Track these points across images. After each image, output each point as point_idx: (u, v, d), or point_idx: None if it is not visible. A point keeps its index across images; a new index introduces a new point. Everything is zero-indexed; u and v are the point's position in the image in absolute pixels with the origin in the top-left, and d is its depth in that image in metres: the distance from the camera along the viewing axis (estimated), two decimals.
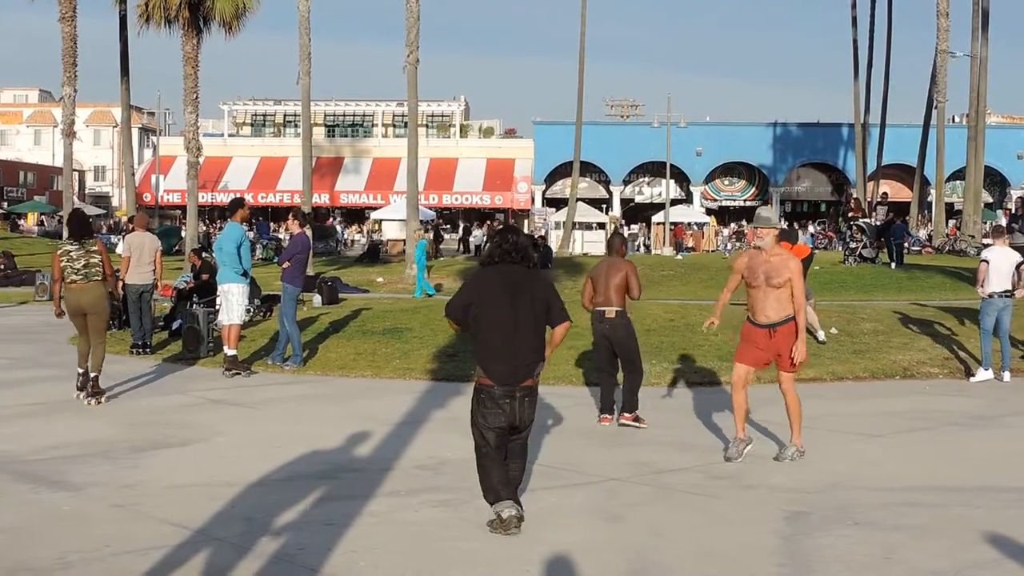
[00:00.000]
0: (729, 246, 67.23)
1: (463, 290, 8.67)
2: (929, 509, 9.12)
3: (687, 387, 16.22)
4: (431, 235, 58.27)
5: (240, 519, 8.59)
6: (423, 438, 12.01)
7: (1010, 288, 17.27)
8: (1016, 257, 17.50)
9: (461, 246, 68.34)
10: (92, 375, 14.48)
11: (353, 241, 72.62)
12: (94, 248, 14.71)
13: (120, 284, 19.26)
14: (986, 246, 18.12)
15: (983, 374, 17.12)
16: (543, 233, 59.58)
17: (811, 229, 75.22)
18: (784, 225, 11.21)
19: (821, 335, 19.01)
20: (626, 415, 13.20)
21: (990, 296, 17.23)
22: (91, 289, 14.61)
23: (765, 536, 8.30)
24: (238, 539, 8.03)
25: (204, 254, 25.42)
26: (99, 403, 14.30)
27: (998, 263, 17.24)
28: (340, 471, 10.43)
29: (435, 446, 11.60)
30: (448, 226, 76.28)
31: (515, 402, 8.36)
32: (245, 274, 17.37)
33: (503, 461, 8.52)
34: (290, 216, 18.82)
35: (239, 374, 17.06)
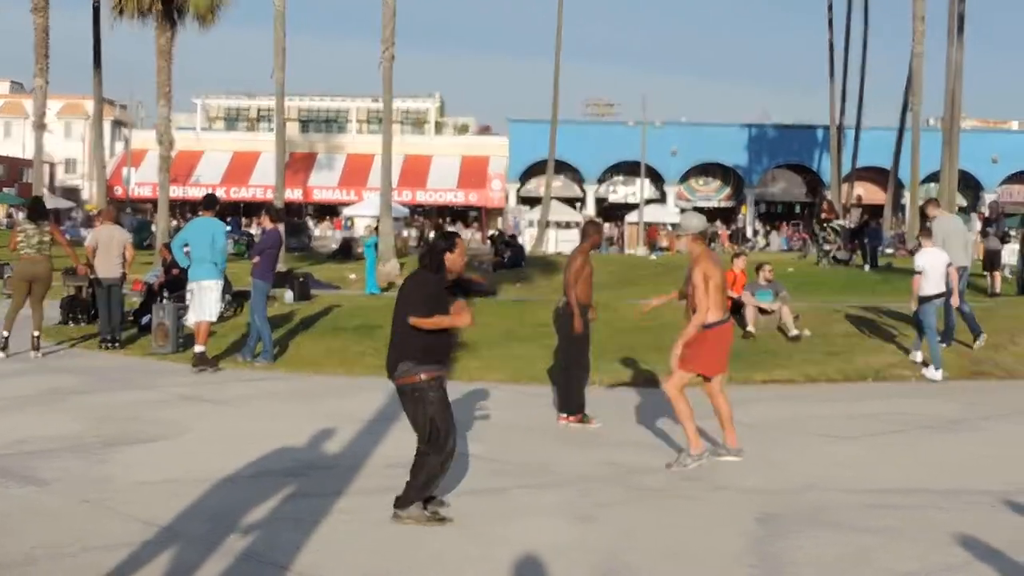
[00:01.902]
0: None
1: None
2: (901, 511, 9.16)
3: (660, 387, 16.24)
4: (406, 234, 58.14)
5: (209, 516, 8.56)
6: (394, 436, 12.00)
7: (944, 289, 17.53)
8: (945, 258, 17.71)
9: None
10: (36, 334, 18.16)
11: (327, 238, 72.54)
12: (47, 228, 18.19)
13: (88, 270, 19.40)
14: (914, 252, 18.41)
15: (934, 373, 17.32)
16: (515, 231, 59.51)
17: (786, 230, 75.57)
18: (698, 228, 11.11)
19: (750, 329, 19.29)
20: (561, 416, 13.22)
21: (929, 299, 17.46)
22: (41, 261, 18.10)
23: (736, 537, 8.32)
24: (207, 536, 8.00)
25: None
26: (41, 356, 17.93)
27: (933, 265, 17.48)
28: (310, 468, 10.42)
29: (406, 444, 11.51)
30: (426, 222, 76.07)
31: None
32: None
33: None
34: (263, 211, 18.81)
35: (207, 370, 17.01)
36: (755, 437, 12.06)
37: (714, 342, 10.72)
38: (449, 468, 8.76)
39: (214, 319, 17.40)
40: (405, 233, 63.28)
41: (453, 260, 8.70)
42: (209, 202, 17.84)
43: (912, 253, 21.98)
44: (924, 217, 20.35)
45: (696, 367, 10.82)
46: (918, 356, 18.05)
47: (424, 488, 8.53)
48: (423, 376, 8.47)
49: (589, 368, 13.64)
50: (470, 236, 76.89)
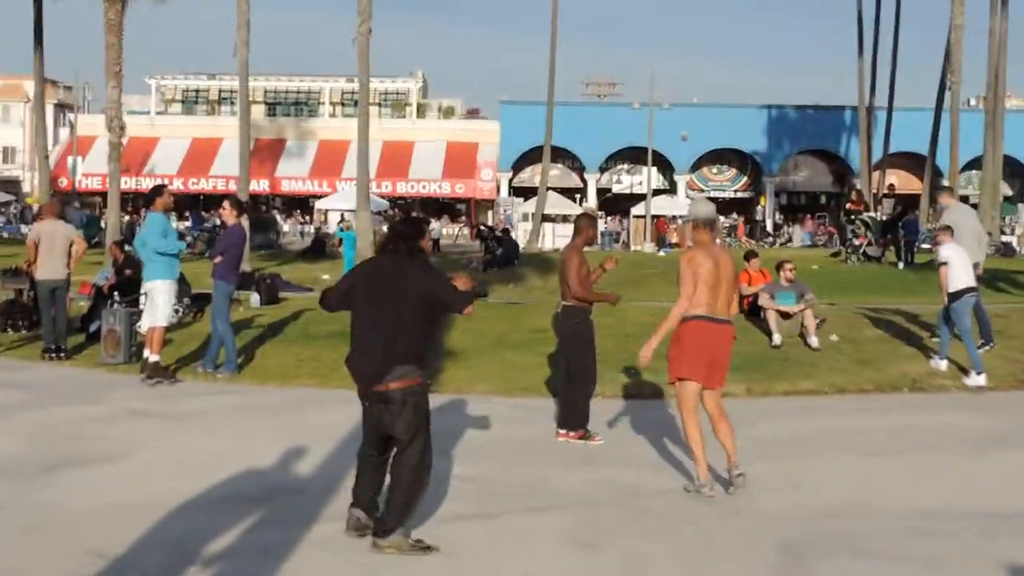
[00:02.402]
0: (718, 242, 67.36)
1: (342, 278, 9.05)
2: (943, 538, 9.14)
3: (671, 399, 16.22)
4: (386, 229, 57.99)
5: (165, 547, 8.53)
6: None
7: (975, 284, 17.63)
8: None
9: None
10: None
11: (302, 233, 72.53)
12: None
13: (31, 269, 19.41)
14: (938, 240, 18.47)
15: (976, 379, 17.32)
16: (507, 226, 59.52)
17: (810, 224, 75.62)
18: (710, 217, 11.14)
19: (815, 343, 19.14)
20: (560, 431, 13.21)
21: (960, 294, 17.49)
22: None
23: (756, 568, 8.30)
24: (162, 569, 7.97)
25: (127, 247, 25.26)
26: None
27: (960, 255, 17.55)
28: (278, 492, 10.38)
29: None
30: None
31: (374, 408, 8.57)
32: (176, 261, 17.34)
33: (376, 467, 8.80)
34: (225, 204, 18.61)
35: (162, 382, 16.96)
36: (777, 455, 12.04)
37: (688, 341, 10.59)
38: (428, 485, 8.73)
39: (164, 324, 17.28)
40: (385, 228, 63.37)
41: (424, 246, 8.88)
42: (153, 194, 17.66)
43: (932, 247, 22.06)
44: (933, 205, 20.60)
45: (674, 371, 10.76)
46: (942, 364, 18.02)
47: (406, 510, 8.49)
48: (417, 380, 8.50)
49: (595, 378, 13.62)
50: (457, 231, 76.97)
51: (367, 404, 8.62)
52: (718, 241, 11.94)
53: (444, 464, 11.24)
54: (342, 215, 64.94)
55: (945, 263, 17.58)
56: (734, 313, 10.92)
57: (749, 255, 22.55)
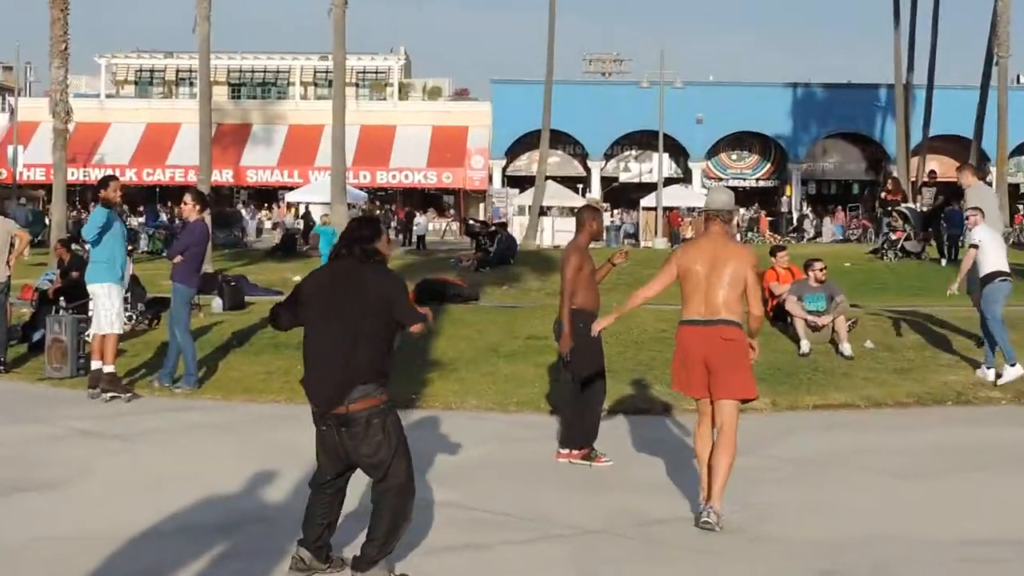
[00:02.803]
0: (739, 238, 67.29)
1: (294, 289, 9.02)
2: (989, 567, 9.16)
3: (684, 414, 16.21)
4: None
5: None
6: (352, 480, 11.95)
7: (1007, 269, 17.90)
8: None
9: (401, 237, 68.18)
10: None
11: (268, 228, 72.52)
12: None
13: None
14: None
15: (1013, 371, 17.48)
16: (499, 219, 59.53)
17: (842, 216, 75.64)
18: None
19: (847, 350, 19.14)
20: (561, 451, 13.21)
21: (992, 277, 17.69)
22: None
23: None
24: None
25: (74, 246, 25.24)
26: None
27: (995, 238, 17.73)
28: (245, 521, 10.39)
29: (365, 490, 11.52)
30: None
31: (332, 432, 8.54)
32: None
33: (331, 498, 8.82)
34: (186, 198, 18.57)
35: (118, 397, 16.94)
36: (805, 476, 12.05)
37: (675, 350, 10.73)
38: (412, 512, 8.71)
39: (115, 331, 17.22)
40: None
41: (382, 248, 8.77)
42: (100, 185, 17.56)
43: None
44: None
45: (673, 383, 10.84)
46: (990, 374, 18.05)
47: (389, 540, 8.48)
48: (381, 399, 8.45)
49: (603, 391, 13.59)
50: (445, 226, 76.95)
51: (324, 428, 8.58)
52: (738, 236, 11.87)
53: (430, 489, 11.24)
54: (306, 207, 64.89)
55: (977, 245, 17.67)
56: (759, 312, 10.68)
57: (776, 249, 22.45)
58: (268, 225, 72.97)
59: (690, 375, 10.56)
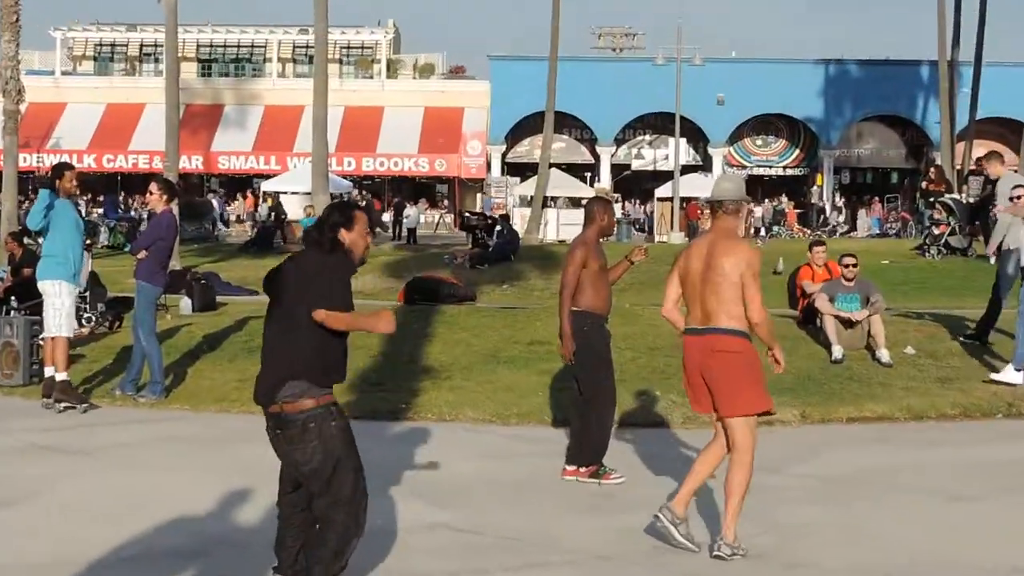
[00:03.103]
0: (763, 232, 67.26)
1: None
2: None
3: (703, 427, 16.18)
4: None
5: None
6: None
7: None
8: None
9: (391, 230, 68.18)
10: None
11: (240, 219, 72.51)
12: None
13: None
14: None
15: (1014, 375, 17.60)
16: (504, 212, 59.59)
17: (879, 209, 75.63)
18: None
19: (884, 356, 19.11)
20: (567, 468, 13.17)
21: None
22: None
23: None
24: None
25: (26, 240, 25.23)
26: None
27: None
28: (215, 545, 10.38)
29: None
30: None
31: (271, 434, 8.52)
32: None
33: (297, 518, 8.69)
34: (152, 187, 18.49)
35: (72, 407, 16.91)
36: (838, 496, 12.02)
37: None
38: (365, 524, 8.63)
39: (67, 334, 17.19)
40: None
41: (353, 241, 8.62)
42: (56, 172, 17.54)
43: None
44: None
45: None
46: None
47: (336, 560, 8.40)
48: (320, 400, 8.36)
49: (613, 401, 13.51)
50: (438, 219, 76.93)
51: (269, 434, 8.57)
52: (755, 231, 11.78)
53: (422, 509, 11.23)
54: (276, 198, 64.82)
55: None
56: (756, 319, 10.20)
57: (814, 244, 22.31)
58: (234, 218, 72.67)
59: (695, 391, 10.52)
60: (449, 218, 76.66)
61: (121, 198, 74.64)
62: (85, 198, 66.28)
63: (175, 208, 19.75)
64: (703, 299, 10.29)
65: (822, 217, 76.64)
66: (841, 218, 76.95)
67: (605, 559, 10.18)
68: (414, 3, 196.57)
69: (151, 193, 18.28)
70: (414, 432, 15.12)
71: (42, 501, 12.00)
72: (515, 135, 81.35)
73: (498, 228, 42.38)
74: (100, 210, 63.81)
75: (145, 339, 17.77)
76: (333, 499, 8.35)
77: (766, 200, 76.46)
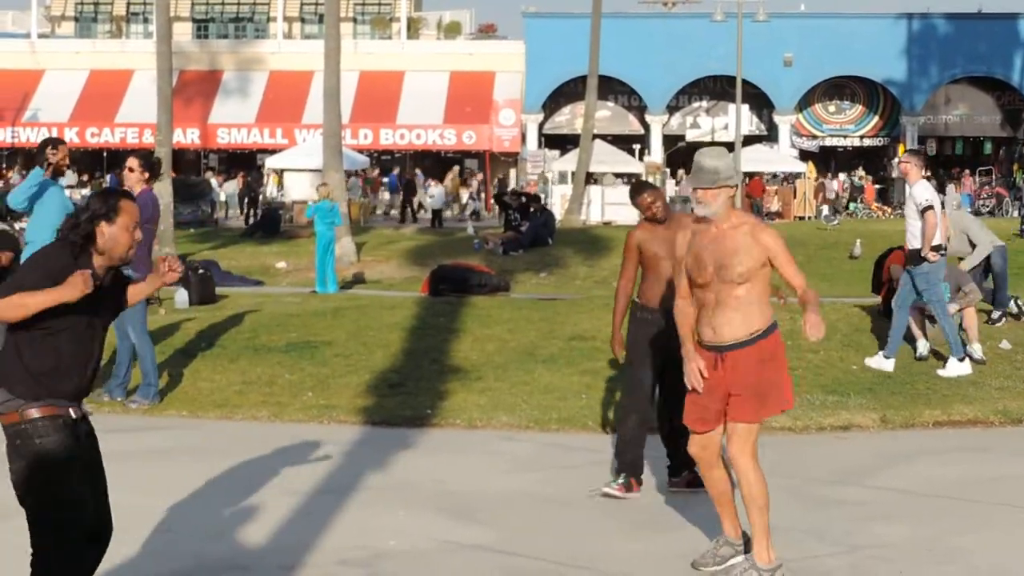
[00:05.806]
0: (832, 211, 66.91)
1: None
2: None
3: (765, 433, 16.19)
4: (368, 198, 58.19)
5: None
6: (350, 516, 11.99)
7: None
8: None
9: (406, 210, 68.05)
10: None
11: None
12: None
13: None
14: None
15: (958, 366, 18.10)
16: (538, 191, 59.51)
17: (970, 183, 75.35)
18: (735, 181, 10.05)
19: (977, 352, 19.04)
20: (617, 485, 13.10)
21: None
22: None
23: None
24: None
25: (1, 224, 25.33)
26: None
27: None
28: (219, 569, 10.43)
29: (368, 529, 11.58)
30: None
31: None
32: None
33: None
34: (130, 163, 18.33)
35: None
36: (923, 512, 12.03)
37: None
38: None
39: None
40: (363, 197, 63.30)
41: (113, 236, 8.08)
42: (42, 148, 17.59)
43: None
44: None
45: None
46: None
47: None
48: (33, 412, 7.97)
49: (648, 405, 13.40)
50: (467, 199, 76.78)
51: None
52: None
53: (451, 528, 11.27)
54: (269, 175, 64.83)
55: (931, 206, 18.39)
56: (798, 284, 9.92)
57: None
58: (222, 198, 72.33)
59: (717, 406, 10.21)
60: (483, 197, 76.27)
61: (106, 177, 74.88)
62: (83, 178, 66.65)
63: (168, 188, 19.76)
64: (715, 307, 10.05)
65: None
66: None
67: None
68: None
69: (130, 170, 17.84)
70: (441, 440, 15.16)
71: (19, 522, 12.05)
72: (553, 103, 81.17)
73: (531, 209, 42.22)
74: (86, 190, 63.95)
75: (136, 337, 17.78)
76: (32, 545, 8.09)
77: (841, 174, 76.24)
